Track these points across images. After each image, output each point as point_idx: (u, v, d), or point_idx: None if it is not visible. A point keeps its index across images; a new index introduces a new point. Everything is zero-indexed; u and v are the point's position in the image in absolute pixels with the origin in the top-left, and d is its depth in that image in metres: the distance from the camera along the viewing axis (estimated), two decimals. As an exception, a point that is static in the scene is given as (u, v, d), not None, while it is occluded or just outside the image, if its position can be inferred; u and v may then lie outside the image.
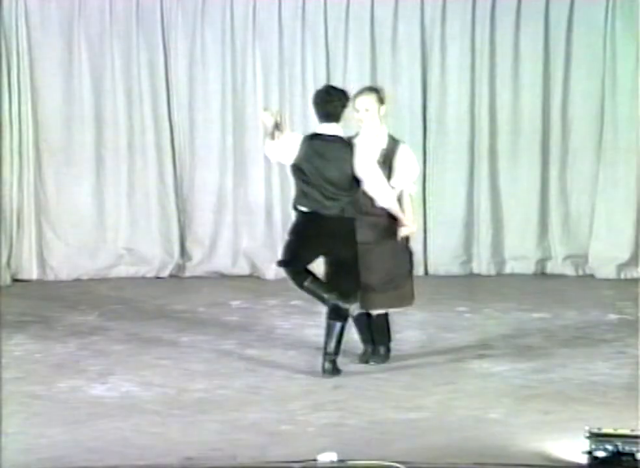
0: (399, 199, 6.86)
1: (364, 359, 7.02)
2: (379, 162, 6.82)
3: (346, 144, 6.62)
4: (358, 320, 7.01)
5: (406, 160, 6.92)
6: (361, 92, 6.96)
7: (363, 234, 6.72)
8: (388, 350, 7.03)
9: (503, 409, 6.09)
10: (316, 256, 6.70)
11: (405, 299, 6.97)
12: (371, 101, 6.86)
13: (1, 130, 9.72)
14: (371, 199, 6.73)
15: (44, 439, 5.65)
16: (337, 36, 9.86)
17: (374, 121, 6.86)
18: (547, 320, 8.20)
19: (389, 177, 6.83)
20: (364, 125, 6.88)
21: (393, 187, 6.82)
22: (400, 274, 6.90)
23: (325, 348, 6.69)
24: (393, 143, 6.92)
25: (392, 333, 7.08)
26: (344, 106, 6.62)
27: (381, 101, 6.92)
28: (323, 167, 6.55)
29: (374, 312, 6.95)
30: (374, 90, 7.04)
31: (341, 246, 6.61)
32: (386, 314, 7.02)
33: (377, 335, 7.02)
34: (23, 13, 9.71)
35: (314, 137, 6.65)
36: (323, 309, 8.49)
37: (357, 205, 6.71)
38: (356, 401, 6.27)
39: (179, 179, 10.03)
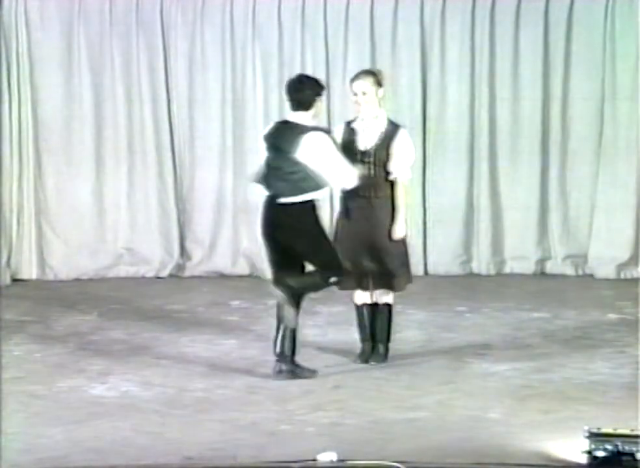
0: (393, 188, 6.85)
1: (363, 358, 7.02)
2: (377, 147, 6.83)
3: (305, 132, 6.54)
4: (361, 314, 7.00)
5: (404, 145, 6.91)
6: (357, 76, 6.96)
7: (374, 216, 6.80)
8: (387, 349, 7.03)
9: (502, 408, 6.08)
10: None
11: (400, 285, 6.97)
12: (367, 84, 6.86)
13: (1, 130, 9.72)
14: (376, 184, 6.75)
15: (44, 439, 5.65)
16: (336, 36, 9.86)
17: (372, 104, 6.85)
18: (547, 319, 8.20)
19: (387, 161, 6.82)
20: (362, 109, 6.87)
21: (390, 172, 6.85)
22: (397, 259, 6.92)
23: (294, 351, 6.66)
24: (393, 127, 6.91)
25: (392, 334, 7.08)
26: (317, 94, 6.58)
27: (379, 83, 6.91)
28: (274, 155, 6.58)
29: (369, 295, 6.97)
30: (370, 72, 7.04)
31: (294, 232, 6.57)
32: (390, 312, 7.00)
33: (378, 333, 7.01)
34: (23, 13, 9.71)
35: (280, 124, 6.67)
36: (322, 309, 8.52)
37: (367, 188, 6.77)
38: (355, 401, 6.27)
39: (179, 179, 10.03)
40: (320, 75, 9.79)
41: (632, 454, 5.06)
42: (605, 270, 9.73)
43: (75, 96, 9.85)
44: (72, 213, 9.87)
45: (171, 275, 10.00)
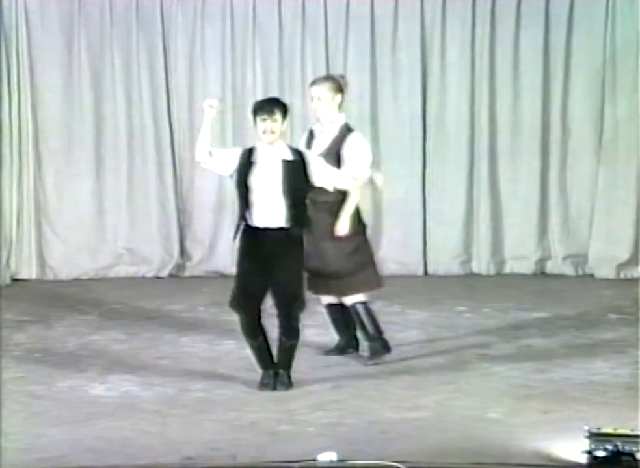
0: (344, 193, 6.82)
1: (338, 350, 7.12)
2: (327, 151, 6.89)
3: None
4: (329, 313, 7.11)
5: (355, 147, 6.95)
6: (315, 81, 7.10)
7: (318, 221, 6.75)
8: (378, 345, 6.99)
9: (502, 408, 6.09)
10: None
11: (356, 288, 6.96)
12: (322, 90, 6.96)
13: (1, 130, 9.72)
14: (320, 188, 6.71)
15: (44, 439, 5.65)
16: (337, 35, 9.86)
17: (328, 109, 6.94)
18: (547, 319, 8.20)
19: (337, 166, 6.83)
20: (318, 113, 6.98)
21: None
22: (356, 261, 6.92)
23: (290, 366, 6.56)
24: (345, 132, 6.98)
25: (379, 328, 7.01)
26: (280, 107, 6.44)
27: (337, 89, 6.98)
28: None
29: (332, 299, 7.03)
30: (329, 78, 7.16)
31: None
32: (365, 309, 6.99)
33: (360, 331, 7.05)
34: (23, 12, 9.70)
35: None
36: (323, 309, 8.52)
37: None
38: (355, 401, 6.27)
39: (179, 179, 10.03)
40: (320, 75, 9.84)
41: (632, 454, 5.06)
42: (605, 270, 9.73)
43: (75, 96, 9.86)
44: (72, 213, 9.87)
45: (171, 275, 10.00)
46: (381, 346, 7.03)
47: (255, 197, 6.43)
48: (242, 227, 6.49)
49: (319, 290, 7.05)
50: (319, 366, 6.91)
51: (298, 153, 6.52)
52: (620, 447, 5.08)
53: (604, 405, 6.03)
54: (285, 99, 9.73)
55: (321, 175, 6.51)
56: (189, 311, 8.64)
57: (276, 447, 5.47)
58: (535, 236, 9.97)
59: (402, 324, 8.01)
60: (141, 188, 10.00)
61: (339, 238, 6.88)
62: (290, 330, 6.48)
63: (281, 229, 6.41)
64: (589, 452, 5.11)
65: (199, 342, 7.59)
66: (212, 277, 9.94)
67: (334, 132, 6.97)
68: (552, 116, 9.89)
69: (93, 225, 9.94)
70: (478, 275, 9.93)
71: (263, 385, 6.48)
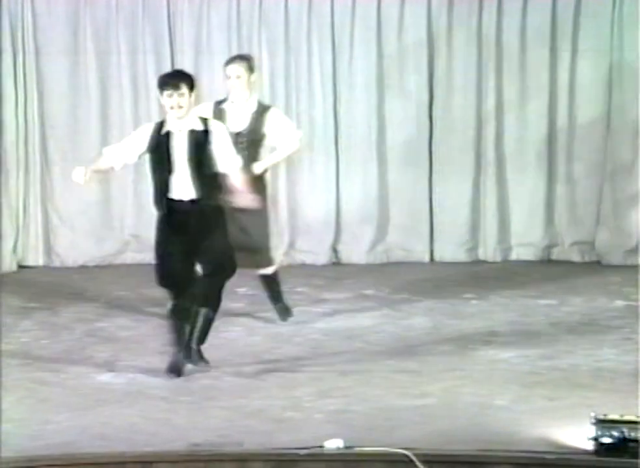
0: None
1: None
2: (250, 128, 7.16)
3: None
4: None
5: (278, 117, 7.32)
6: (232, 60, 7.31)
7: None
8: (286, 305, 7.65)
9: (509, 395, 6.09)
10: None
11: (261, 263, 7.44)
12: (241, 69, 7.22)
13: (7, 117, 9.72)
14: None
15: (51, 425, 5.67)
16: (343, 23, 9.83)
17: (245, 88, 7.20)
18: (554, 306, 8.19)
19: (261, 140, 7.18)
20: (234, 92, 7.19)
21: (274, 148, 7.32)
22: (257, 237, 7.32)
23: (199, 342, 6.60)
24: (263, 107, 7.30)
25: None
26: (185, 80, 6.38)
27: (251, 68, 7.27)
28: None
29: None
30: (244, 58, 7.40)
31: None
32: (273, 278, 7.55)
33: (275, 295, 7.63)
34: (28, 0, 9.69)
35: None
36: (330, 296, 8.53)
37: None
38: (362, 388, 6.28)
39: (185, 166, 10.01)
40: (327, 63, 9.84)
41: (638, 441, 5.06)
42: (612, 257, 9.71)
43: (81, 83, 9.84)
44: (78, 200, 9.86)
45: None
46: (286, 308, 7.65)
47: (170, 169, 6.40)
48: (164, 200, 6.44)
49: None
50: (325, 353, 6.92)
51: (205, 123, 6.44)
52: (626, 434, 5.08)
53: (611, 391, 6.03)
54: (291, 87, 9.89)
55: (222, 149, 6.42)
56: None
57: (282, 434, 5.48)
58: (542, 223, 9.95)
59: (408, 311, 8.01)
60: (147, 175, 9.96)
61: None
62: (211, 299, 6.48)
63: (192, 201, 6.38)
64: (595, 439, 5.11)
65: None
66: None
67: (252, 108, 7.21)
68: (559, 102, 9.86)
69: (100, 212, 9.94)
70: (484, 262, 9.91)
71: (173, 369, 6.45)
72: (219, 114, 7.19)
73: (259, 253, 7.38)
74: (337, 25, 9.82)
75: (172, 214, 6.45)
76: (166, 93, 6.38)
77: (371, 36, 9.82)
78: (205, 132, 6.41)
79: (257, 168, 7.26)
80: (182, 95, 6.34)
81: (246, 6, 9.83)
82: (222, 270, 6.51)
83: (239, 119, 7.19)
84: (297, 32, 9.85)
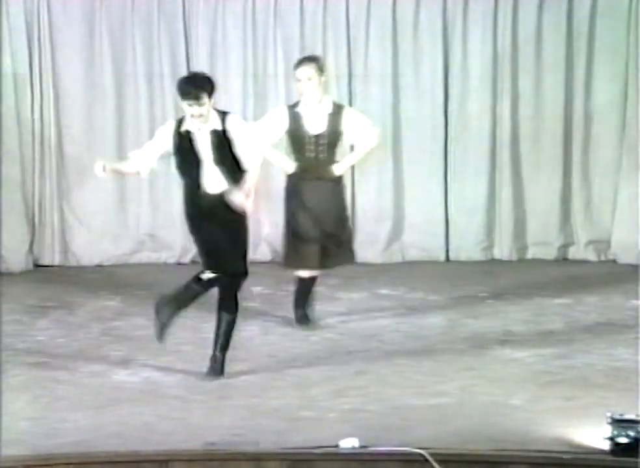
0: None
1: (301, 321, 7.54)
2: (328, 129, 7.17)
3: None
4: (310, 285, 7.54)
5: (354, 116, 7.32)
6: (300, 62, 7.27)
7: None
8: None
9: (524, 395, 6.08)
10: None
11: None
12: (311, 71, 7.17)
13: (23, 116, 9.74)
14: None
15: (67, 424, 5.69)
16: (358, 21, 9.82)
17: (317, 89, 7.17)
18: (569, 305, 8.17)
19: (339, 140, 7.23)
20: (307, 94, 7.16)
21: (353, 146, 7.37)
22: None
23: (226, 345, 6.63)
24: (338, 107, 7.29)
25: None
26: (205, 89, 6.40)
27: (321, 69, 7.25)
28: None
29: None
30: (313, 59, 7.36)
31: None
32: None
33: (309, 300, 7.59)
34: (45, -1, 9.73)
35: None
36: (345, 296, 8.53)
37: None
38: (377, 387, 6.28)
39: (200, 165, 10.02)
40: (342, 61, 9.84)
41: (651, 441, 5.04)
42: (628, 256, 9.67)
43: (96, 82, 9.86)
44: (94, 199, 9.89)
45: (193, 262, 9.98)
46: (306, 317, 7.52)
47: (197, 165, 6.47)
48: (190, 194, 6.58)
49: (323, 263, 7.36)
50: (340, 352, 6.92)
51: (224, 121, 6.46)
52: (642, 433, 5.06)
53: (626, 391, 6.00)
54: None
55: (243, 146, 6.48)
56: (210, 297, 8.62)
57: (297, 433, 5.48)
58: (557, 222, 9.93)
59: (423, 310, 8.01)
60: (162, 174, 9.99)
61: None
62: (229, 301, 6.56)
63: (222, 194, 6.45)
64: (611, 439, 5.10)
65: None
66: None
67: (327, 110, 7.19)
68: (575, 100, 9.83)
69: (116, 212, 9.96)
70: (500, 261, 9.90)
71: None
72: (294, 117, 7.22)
73: (344, 249, 7.42)
74: (352, 24, 9.82)
75: (201, 208, 6.54)
76: (186, 103, 6.40)
77: (386, 35, 9.81)
78: (224, 132, 6.44)
79: (337, 170, 7.30)
80: (203, 104, 6.38)
81: (261, 5, 9.83)
82: (238, 273, 6.55)
83: (315, 121, 7.19)
84: (312, 31, 9.85)
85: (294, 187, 7.32)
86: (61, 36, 9.77)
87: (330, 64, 9.83)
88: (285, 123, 7.27)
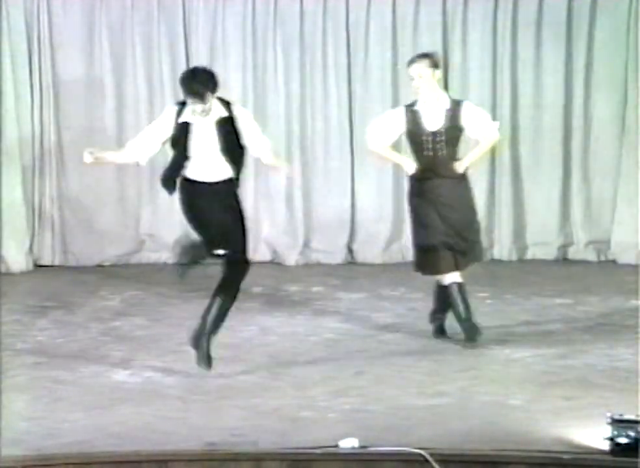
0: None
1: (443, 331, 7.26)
2: (447, 125, 7.00)
3: None
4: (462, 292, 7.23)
5: (474, 111, 7.10)
6: (412, 60, 7.14)
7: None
8: (473, 327, 7.10)
9: (524, 395, 6.08)
10: None
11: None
12: (422, 67, 7.02)
13: (22, 118, 9.74)
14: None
15: (67, 424, 5.69)
16: (358, 20, 9.83)
17: (431, 86, 7.02)
18: (569, 306, 8.17)
19: (459, 137, 7.02)
20: (421, 92, 7.02)
21: (478, 140, 7.12)
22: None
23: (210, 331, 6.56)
24: (456, 103, 7.11)
25: (470, 309, 7.14)
26: (209, 88, 6.36)
27: (434, 65, 7.06)
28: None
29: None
30: (425, 55, 7.18)
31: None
32: (460, 289, 7.17)
33: (452, 311, 7.22)
34: (44, -2, 9.74)
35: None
36: (345, 296, 8.52)
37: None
38: (377, 387, 6.28)
39: (200, 165, 10.02)
40: (342, 61, 9.84)
41: (651, 441, 5.04)
42: (628, 256, 9.68)
43: (96, 81, 9.87)
44: (94, 199, 9.89)
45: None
46: (475, 327, 7.08)
47: (194, 154, 6.41)
48: (179, 181, 6.48)
49: (456, 264, 7.16)
50: (340, 352, 6.92)
51: (228, 106, 6.45)
52: (642, 434, 5.06)
53: (626, 391, 6.01)
54: (306, 85, 9.87)
55: (250, 134, 6.48)
56: (210, 297, 8.64)
57: (297, 433, 5.48)
58: (557, 222, 9.93)
59: (424, 310, 7.99)
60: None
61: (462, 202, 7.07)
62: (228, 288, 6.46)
63: (224, 181, 6.42)
64: (611, 439, 5.10)
65: (220, 329, 7.59)
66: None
67: (445, 106, 7.04)
68: (575, 100, 9.83)
69: (116, 212, 9.97)
70: (500, 261, 9.90)
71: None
72: (412, 116, 7.06)
73: (473, 248, 7.22)
74: (352, 25, 9.82)
75: (197, 193, 6.50)
76: (190, 100, 6.38)
77: (385, 35, 9.81)
78: (232, 120, 6.44)
79: (459, 167, 7.07)
80: (207, 102, 6.36)
81: (261, 6, 9.83)
82: (244, 261, 6.52)
83: (433, 118, 7.04)
84: (312, 31, 9.85)
85: (417, 188, 7.11)
86: (61, 36, 9.77)
87: (330, 63, 9.87)
88: (402, 123, 7.09)
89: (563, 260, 9.92)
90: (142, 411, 5.88)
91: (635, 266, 9.50)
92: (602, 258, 9.85)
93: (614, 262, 9.75)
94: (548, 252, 9.94)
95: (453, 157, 7.11)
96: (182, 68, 9.84)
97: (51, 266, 9.84)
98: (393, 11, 9.81)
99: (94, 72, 9.85)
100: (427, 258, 7.07)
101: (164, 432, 5.54)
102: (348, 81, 9.86)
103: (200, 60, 9.88)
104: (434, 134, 7.02)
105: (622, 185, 9.75)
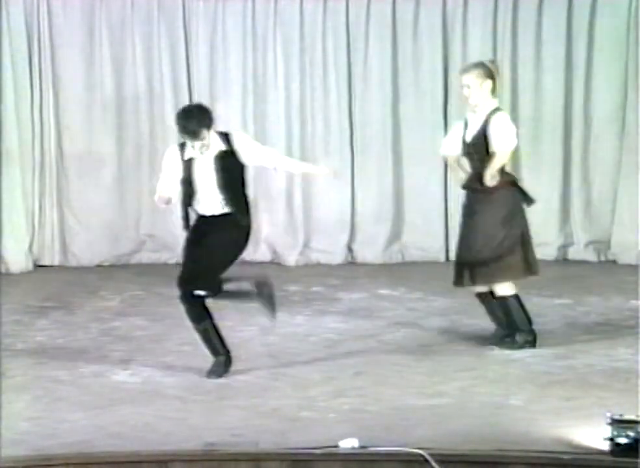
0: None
1: (493, 341, 7.08)
2: (477, 135, 6.96)
3: None
4: (482, 300, 7.17)
5: (498, 124, 6.98)
6: (464, 69, 7.16)
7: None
8: (529, 336, 7.01)
9: (524, 395, 6.08)
10: None
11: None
12: (470, 77, 6.99)
13: (23, 117, 9.74)
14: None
15: (67, 424, 5.69)
16: (358, 21, 9.83)
17: (478, 96, 6.97)
18: (569, 306, 8.17)
19: (485, 146, 6.94)
20: (470, 101, 7.01)
21: (493, 152, 6.97)
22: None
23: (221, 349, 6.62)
24: (491, 114, 7.01)
25: (529, 318, 7.06)
26: (204, 125, 6.35)
27: (486, 75, 7.00)
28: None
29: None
30: (476, 65, 7.15)
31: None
32: (517, 302, 7.09)
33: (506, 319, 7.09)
34: (44, -1, 9.74)
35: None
36: (345, 296, 8.53)
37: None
38: (377, 387, 6.28)
39: (200, 165, 10.02)
40: (341, 61, 9.84)
41: (651, 441, 5.04)
42: (628, 256, 9.67)
43: (96, 82, 9.87)
44: (94, 199, 9.90)
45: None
46: (531, 337, 7.02)
47: (197, 189, 6.48)
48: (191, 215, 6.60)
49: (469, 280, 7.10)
50: (340, 352, 6.92)
51: (227, 139, 6.46)
52: (642, 434, 5.06)
53: (626, 392, 6.01)
54: (306, 86, 9.87)
55: (251, 153, 6.51)
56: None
57: (297, 433, 5.48)
58: (557, 223, 9.93)
59: (423, 310, 8.01)
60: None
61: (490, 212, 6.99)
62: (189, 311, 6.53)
63: (224, 215, 6.48)
64: (611, 439, 5.10)
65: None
66: (233, 264, 9.93)
67: (482, 117, 7.00)
68: (575, 100, 9.83)
69: (116, 212, 9.97)
70: (500, 261, 9.88)
71: (211, 373, 6.49)
72: (464, 126, 7.06)
73: (495, 263, 7.13)
74: (352, 26, 9.82)
75: (201, 226, 6.62)
76: (186, 139, 6.40)
77: (385, 35, 9.81)
78: (232, 152, 6.46)
79: (488, 181, 6.96)
80: (203, 138, 6.37)
81: (261, 6, 9.83)
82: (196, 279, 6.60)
83: (472, 128, 7.03)
84: (312, 31, 9.85)
85: (464, 199, 7.16)
86: (61, 36, 9.77)
87: (329, 65, 9.87)
88: (461, 133, 7.10)
89: (563, 260, 9.91)
90: (141, 411, 5.88)
91: (635, 266, 9.50)
92: (602, 258, 9.84)
93: (614, 262, 9.74)
94: (548, 252, 9.92)
95: (485, 168, 7.00)
96: (182, 68, 9.90)
97: (51, 266, 9.84)
98: (393, 10, 9.81)
99: (94, 72, 9.85)
100: (459, 271, 7.10)
101: (164, 432, 5.54)
102: (348, 81, 9.86)
103: (200, 59, 9.91)
104: (468, 144, 7.02)
105: (622, 185, 9.75)
